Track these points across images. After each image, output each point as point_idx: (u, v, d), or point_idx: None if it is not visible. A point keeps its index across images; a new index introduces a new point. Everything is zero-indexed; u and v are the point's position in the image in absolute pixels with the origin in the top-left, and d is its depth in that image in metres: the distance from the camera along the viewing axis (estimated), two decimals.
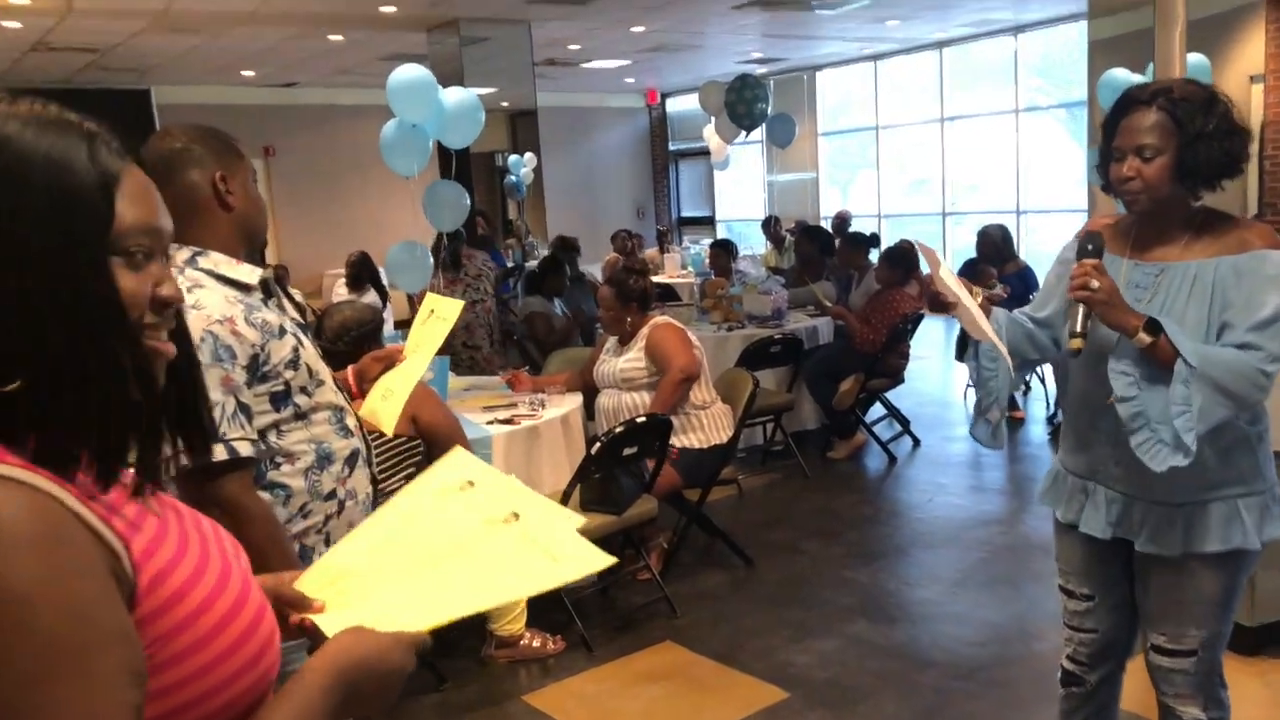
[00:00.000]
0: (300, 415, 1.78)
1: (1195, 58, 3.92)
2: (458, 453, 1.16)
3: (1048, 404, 6.51)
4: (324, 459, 1.81)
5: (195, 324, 1.65)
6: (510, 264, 10.38)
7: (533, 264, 9.22)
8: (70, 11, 7.45)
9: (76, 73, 10.08)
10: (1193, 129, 1.94)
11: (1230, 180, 2.03)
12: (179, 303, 0.87)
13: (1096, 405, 2.09)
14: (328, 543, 1.79)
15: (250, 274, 1.78)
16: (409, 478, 3.18)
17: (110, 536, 0.77)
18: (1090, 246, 2.03)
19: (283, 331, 1.77)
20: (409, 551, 1.05)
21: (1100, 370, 2.04)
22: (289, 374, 1.75)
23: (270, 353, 1.73)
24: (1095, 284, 1.95)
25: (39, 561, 0.71)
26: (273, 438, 1.75)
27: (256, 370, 1.71)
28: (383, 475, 3.14)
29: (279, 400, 1.75)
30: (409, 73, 4.62)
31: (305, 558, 1.76)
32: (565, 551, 1.06)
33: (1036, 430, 6.31)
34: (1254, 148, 4.51)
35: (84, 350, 0.77)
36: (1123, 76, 4.93)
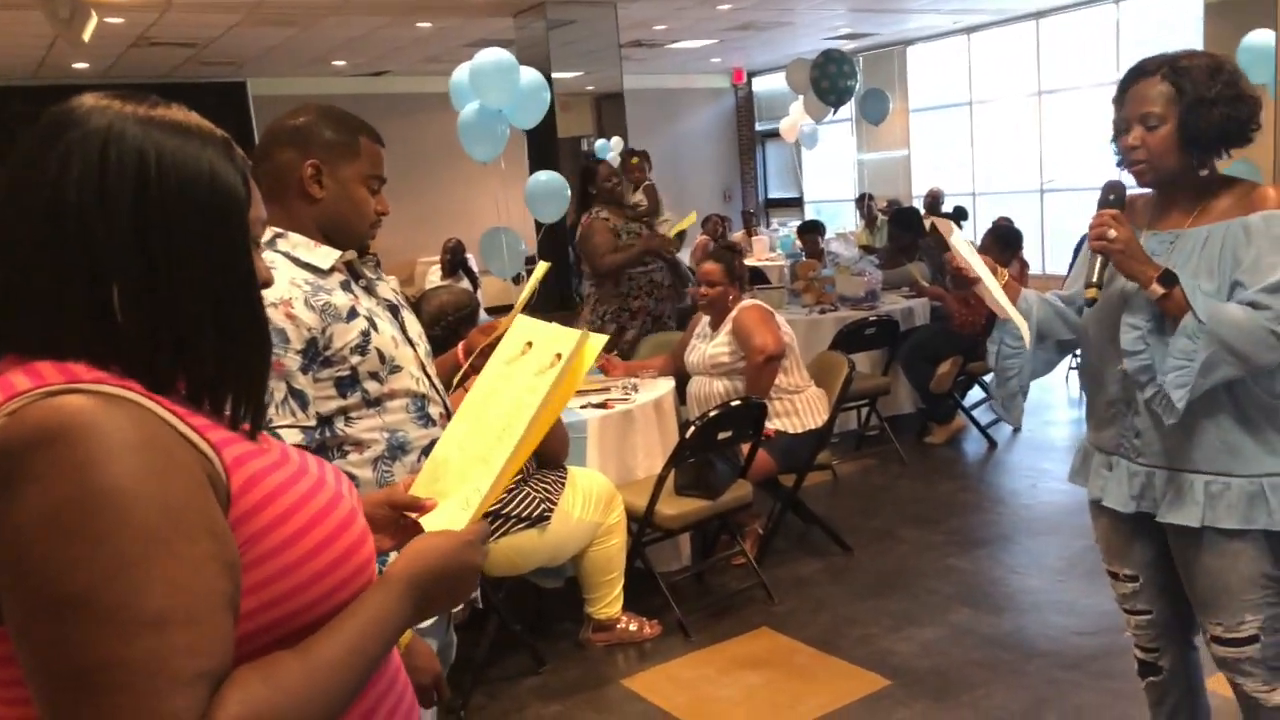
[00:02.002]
0: (371, 402, 1.73)
1: None
2: (519, 320, 1.24)
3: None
4: (397, 449, 1.75)
5: None
6: None
7: None
8: (170, 6, 7.67)
9: (175, 68, 10.39)
10: (1194, 95, 1.93)
11: (1239, 148, 2.01)
12: (270, 284, 1.03)
13: (1113, 376, 2.09)
14: None
15: (326, 258, 1.74)
16: None
17: (202, 444, 0.88)
18: (1111, 197, 2.03)
19: (352, 315, 1.71)
20: (487, 427, 1.13)
21: (1116, 339, 2.04)
22: (355, 359, 1.70)
23: (332, 337, 1.68)
24: (1113, 233, 1.94)
25: (138, 463, 0.82)
26: (340, 424, 1.71)
27: (316, 355, 1.67)
28: None
29: (345, 386, 1.70)
30: (492, 56, 4.60)
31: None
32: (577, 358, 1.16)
33: None
34: None
35: (241, 315, 0.95)
36: (1261, 41, 4.58)
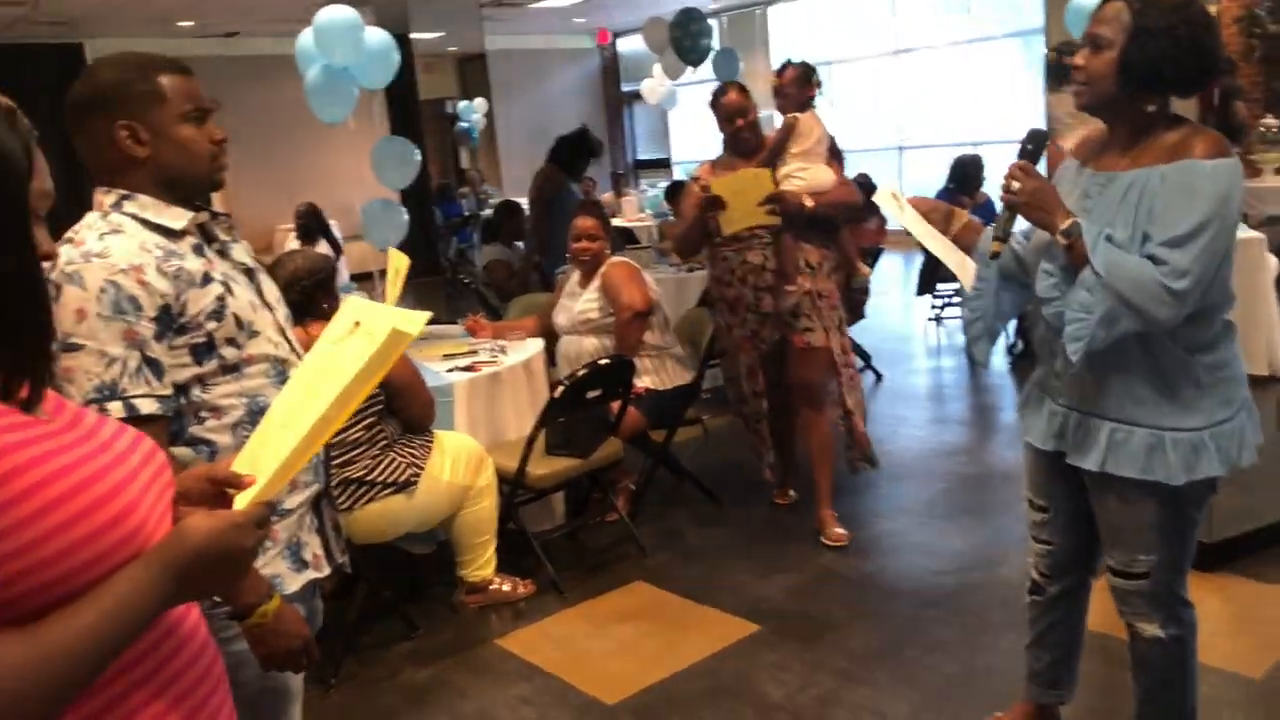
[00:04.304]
0: (229, 368, 1.70)
1: None
2: (349, 300, 1.22)
3: (1007, 334, 6.56)
4: (257, 414, 1.72)
5: (97, 273, 1.57)
6: (466, 213, 10.25)
7: (488, 212, 9.10)
8: None
9: (6, 27, 9.72)
10: (1144, 23, 1.85)
11: (1183, 97, 1.95)
12: (55, 258, 1.06)
13: (1042, 317, 2.10)
14: None
15: (178, 218, 1.68)
16: (368, 428, 3.15)
17: None
18: (1029, 146, 2.02)
19: (207, 280, 1.67)
20: (303, 403, 1.12)
21: None
22: (211, 325, 1.66)
23: (187, 303, 1.64)
24: (1017, 185, 1.95)
25: None
26: (196, 391, 1.68)
27: (171, 322, 1.63)
28: (341, 427, 3.09)
29: (201, 353, 1.66)
30: (337, 13, 4.44)
31: None
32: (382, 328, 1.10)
33: (997, 360, 6.35)
34: None
35: (15, 287, 0.95)
36: (1090, 4, 4.85)
